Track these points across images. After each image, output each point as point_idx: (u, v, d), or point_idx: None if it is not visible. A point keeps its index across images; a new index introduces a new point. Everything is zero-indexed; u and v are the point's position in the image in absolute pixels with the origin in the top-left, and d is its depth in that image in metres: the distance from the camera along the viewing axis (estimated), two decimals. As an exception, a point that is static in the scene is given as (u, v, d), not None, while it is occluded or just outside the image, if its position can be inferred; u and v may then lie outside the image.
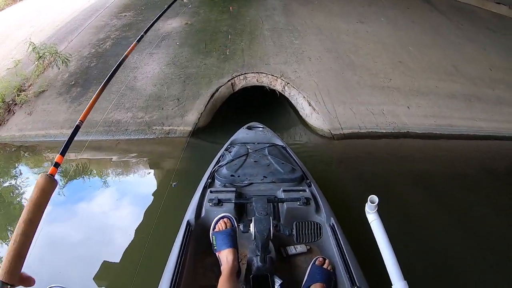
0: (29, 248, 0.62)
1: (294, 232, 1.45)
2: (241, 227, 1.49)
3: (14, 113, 4.74)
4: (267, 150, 2.47)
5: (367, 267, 1.55)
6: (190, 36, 6.23)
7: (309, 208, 1.84)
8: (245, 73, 5.11)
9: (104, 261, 2.56)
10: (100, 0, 8.58)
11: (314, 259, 1.61)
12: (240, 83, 5.06)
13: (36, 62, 5.29)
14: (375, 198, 1.14)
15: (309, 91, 4.92)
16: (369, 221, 1.16)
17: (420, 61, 6.14)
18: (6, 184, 3.80)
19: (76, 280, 2.44)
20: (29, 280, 0.60)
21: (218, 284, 1.39)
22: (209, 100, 4.71)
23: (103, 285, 2.45)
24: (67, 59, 5.29)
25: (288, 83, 5.02)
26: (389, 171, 3.95)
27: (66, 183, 3.76)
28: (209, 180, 2.11)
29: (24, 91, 4.98)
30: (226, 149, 2.60)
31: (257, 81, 5.09)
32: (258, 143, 2.65)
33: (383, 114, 4.80)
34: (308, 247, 1.81)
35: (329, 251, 1.70)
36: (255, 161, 2.28)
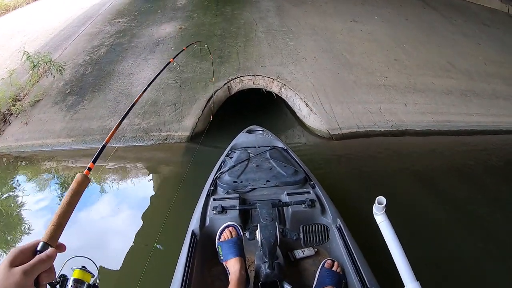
0: (66, 222, 0.78)
1: (302, 236, 1.44)
2: (247, 234, 1.47)
3: (10, 123, 4.71)
4: (268, 153, 2.44)
5: (375, 268, 1.53)
6: (184, 41, 6.21)
7: (315, 210, 1.82)
8: (241, 76, 5.10)
9: (105, 272, 2.51)
10: (93, 7, 8.57)
11: (323, 261, 1.58)
12: (236, 86, 5.04)
13: (31, 71, 5.27)
14: (382, 199, 1.12)
15: (306, 92, 4.92)
16: (378, 223, 1.14)
17: (415, 58, 6.16)
18: (5, 195, 3.76)
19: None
20: (61, 247, 0.74)
21: None
22: (206, 104, 4.69)
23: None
24: (61, 67, 5.27)
25: (284, 84, 5.01)
26: (389, 170, 3.94)
27: (64, 191, 3.74)
28: (211, 188, 2.08)
29: (19, 100, 4.95)
30: (227, 155, 2.57)
31: (254, 84, 5.08)
32: (259, 147, 2.63)
33: (381, 112, 4.80)
34: (316, 249, 1.79)
35: (337, 253, 1.68)
36: (257, 166, 2.25)
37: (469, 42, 7.27)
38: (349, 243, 1.62)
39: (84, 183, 0.88)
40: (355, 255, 1.54)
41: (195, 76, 5.18)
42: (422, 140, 4.62)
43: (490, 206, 3.30)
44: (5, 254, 2.85)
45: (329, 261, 1.57)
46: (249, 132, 3.07)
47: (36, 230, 3.14)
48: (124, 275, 2.48)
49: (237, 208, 1.79)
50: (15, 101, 4.88)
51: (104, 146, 1.19)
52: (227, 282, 1.44)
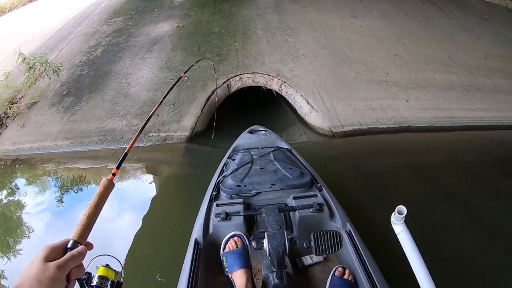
0: (94, 223, 0.82)
1: (313, 244, 1.35)
2: (253, 244, 1.40)
3: (6, 126, 4.64)
4: (272, 154, 2.36)
5: (387, 275, 1.45)
6: (182, 39, 6.14)
7: (323, 215, 1.73)
8: (240, 74, 5.03)
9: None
10: (89, 6, 8.48)
11: (333, 269, 1.50)
12: (235, 85, 4.97)
13: (27, 73, 5.20)
14: (403, 208, 1.05)
15: (306, 89, 4.85)
16: (396, 233, 1.07)
17: (415, 54, 6.09)
18: (4, 199, 3.69)
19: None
20: (89, 245, 0.78)
21: None
22: (205, 104, 4.62)
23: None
24: (58, 68, 5.20)
25: (284, 82, 4.94)
26: (393, 168, 3.88)
27: (63, 193, 3.68)
28: (214, 193, 2.00)
29: (16, 103, 4.88)
30: (229, 157, 2.48)
31: (253, 82, 5.02)
32: (262, 148, 2.55)
33: (383, 109, 4.74)
34: (325, 255, 1.72)
35: (347, 259, 1.59)
36: (261, 168, 2.17)
37: (468, 36, 7.21)
38: (360, 249, 1.55)
39: (110, 187, 0.93)
40: (367, 262, 1.47)
41: (193, 74, 5.10)
42: (425, 137, 4.56)
43: (494, 202, 3.25)
44: (6, 258, 2.83)
45: (340, 269, 1.49)
46: (251, 132, 2.98)
47: (36, 232, 3.10)
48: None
49: (241, 214, 1.71)
50: (12, 104, 4.81)
51: (126, 154, 1.21)
52: None
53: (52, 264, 0.65)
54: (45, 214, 3.35)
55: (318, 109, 4.60)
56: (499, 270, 2.44)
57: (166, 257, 2.03)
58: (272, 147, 2.57)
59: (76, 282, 0.74)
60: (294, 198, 1.83)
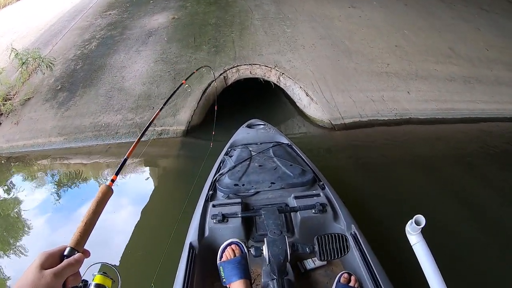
0: (92, 229, 0.81)
1: (317, 249, 1.24)
2: (252, 251, 1.28)
3: (0, 123, 4.50)
4: (271, 150, 2.23)
5: (394, 280, 1.35)
6: (178, 31, 6.00)
7: (326, 216, 1.62)
8: (237, 66, 4.90)
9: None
10: (83, 0, 8.28)
11: (338, 276, 1.40)
12: (233, 76, 4.85)
13: (20, 69, 5.07)
14: (421, 218, 0.92)
15: (305, 80, 4.74)
16: (411, 243, 0.96)
17: (416, 44, 5.99)
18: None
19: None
20: (86, 252, 0.77)
21: None
22: (201, 96, 4.50)
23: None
24: (51, 63, 5.07)
25: (283, 73, 4.82)
26: (394, 160, 3.79)
27: (58, 190, 3.57)
28: (210, 192, 1.88)
29: (9, 99, 4.75)
30: (226, 153, 2.34)
31: (251, 73, 4.90)
32: (261, 143, 2.42)
33: (384, 100, 4.64)
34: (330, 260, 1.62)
35: (353, 264, 1.49)
36: (260, 165, 2.04)
37: (469, 27, 7.11)
38: (366, 253, 1.43)
39: (108, 193, 0.93)
40: (374, 269, 1.36)
41: (189, 67, 4.98)
42: (427, 129, 4.48)
43: (496, 195, 3.18)
44: (6, 256, 2.77)
45: (346, 275, 1.39)
46: (249, 126, 2.83)
47: (31, 229, 3.03)
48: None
49: (239, 215, 1.59)
50: (5, 101, 4.68)
51: (125, 160, 1.21)
52: None
53: (49, 271, 0.64)
54: (39, 211, 3.26)
55: (317, 101, 4.49)
56: (501, 263, 2.38)
57: (164, 261, 1.92)
58: (272, 142, 2.44)
59: None
60: (295, 197, 1.71)
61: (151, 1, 7.39)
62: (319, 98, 4.52)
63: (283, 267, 1.24)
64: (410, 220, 0.97)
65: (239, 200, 1.74)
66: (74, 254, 0.72)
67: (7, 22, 8.39)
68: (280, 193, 1.84)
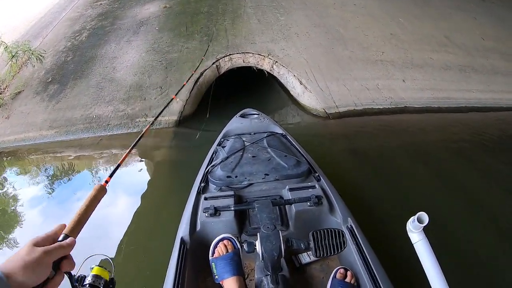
0: (86, 221, 0.84)
1: (312, 245, 1.17)
2: (245, 247, 1.20)
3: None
4: (265, 141, 2.16)
5: (392, 277, 1.28)
6: (169, 20, 5.87)
7: (322, 208, 1.55)
8: (230, 54, 4.80)
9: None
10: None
11: (334, 271, 1.35)
12: (225, 65, 4.75)
13: (10, 62, 4.96)
14: (424, 216, 0.86)
15: (299, 69, 4.65)
16: (413, 242, 0.89)
17: (411, 33, 5.91)
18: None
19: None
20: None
21: None
22: (193, 86, 4.40)
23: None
24: (41, 56, 4.95)
25: (276, 61, 4.73)
26: (389, 149, 3.72)
27: (52, 183, 3.48)
28: (202, 184, 1.81)
29: (0, 93, 4.62)
30: (219, 144, 2.27)
31: (244, 62, 4.80)
32: (254, 133, 2.34)
33: (379, 89, 4.57)
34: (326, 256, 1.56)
35: (349, 259, 1.43)
36: (253, 156, 1.98)
37: (465, 16, 7.04)
38: (363, 248, 1.37)
39: (102, 192, 0.96)
40: (371, 263, 1.30)
41: (181, 56, 4.87)
42: (422, 118, 4.42)
43: (489, 184, 3.13)
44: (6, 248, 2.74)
45: (342, 270, 1.34)
46: (243, 116, 2.75)
47: (26, 222, 2.99)
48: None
49: (232, 208, 1.51)
50: (-4, 95, 4.57)
51: (118, 165, 1.19)
52: None
53: (40, 248, 0.66)
54: (32, 205, 3.19)
55: (311, 90, 4.41)
56: (497, 255, 2.30)
57: (157, 256, 1.84)
58: (266, 132, 2.36)
59: (66, 276, 0.75)
60: (290, 189, 1.64)
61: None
62: (313, 86, 4.44)
63: (277, 264, 1.18)
64: (412, 217, 0.90)
65: (231, 192, 1.67)
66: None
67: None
68: (274, 185, 1.77)
